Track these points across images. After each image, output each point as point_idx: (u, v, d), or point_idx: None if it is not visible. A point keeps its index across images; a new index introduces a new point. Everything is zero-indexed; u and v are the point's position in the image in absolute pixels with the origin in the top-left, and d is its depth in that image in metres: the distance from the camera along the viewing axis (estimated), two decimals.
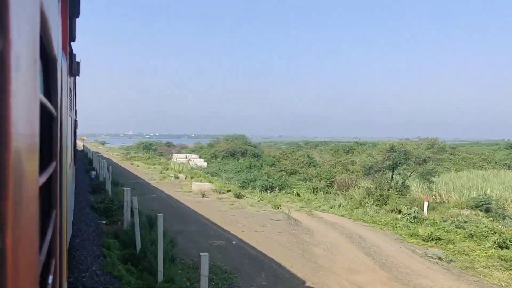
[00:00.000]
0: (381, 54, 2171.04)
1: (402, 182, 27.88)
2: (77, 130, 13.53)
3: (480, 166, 50.31)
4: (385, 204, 22.50)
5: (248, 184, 31.86)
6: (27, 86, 0.71)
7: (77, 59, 6.50)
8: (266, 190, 27.88)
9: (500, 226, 15.81)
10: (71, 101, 5.68)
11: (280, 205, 17.16)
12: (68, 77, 4.29)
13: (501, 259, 11.58)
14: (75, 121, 11.04)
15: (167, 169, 30.89)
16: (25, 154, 0.69)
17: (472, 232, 14.12)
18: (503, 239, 12.89)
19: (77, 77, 7.83)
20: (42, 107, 1.09)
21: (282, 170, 45.00)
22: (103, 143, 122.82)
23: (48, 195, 1.49)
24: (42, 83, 1.37)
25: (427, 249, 12.40)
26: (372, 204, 22.50)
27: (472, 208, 21.43)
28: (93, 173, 20.24)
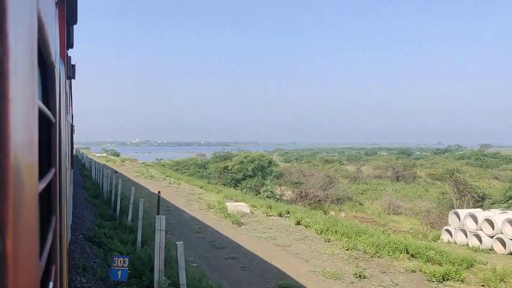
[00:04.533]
0: (394, 56, 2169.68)
1: None
2: (74, 135, 13.43)
3: None
4: None
5: None
6: (25, 92, 0.71)
7: (72, 62, 6.53)
8: None
9: None
10: (67, 105, 5.70)
11: None
12: (65, 82, 4.30)
13: None
14: (72, 125, 11.04)
15: None
16: (24, 161, 0.69)
17: None
18: None
19: (72, 80, 7.86)
20: (41, 113, 1.09)
21: None
22: (117, 154, 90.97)
23: (47, 201, 1.49)
24: (41, 90, 1.37)
25: None
26: None
27: None
28: None
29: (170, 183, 30.28)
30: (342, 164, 60.09)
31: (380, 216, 32.40)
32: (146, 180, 31.17)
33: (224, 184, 39.48)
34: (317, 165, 49.62)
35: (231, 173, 42.84)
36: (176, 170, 50.68)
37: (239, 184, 42.21)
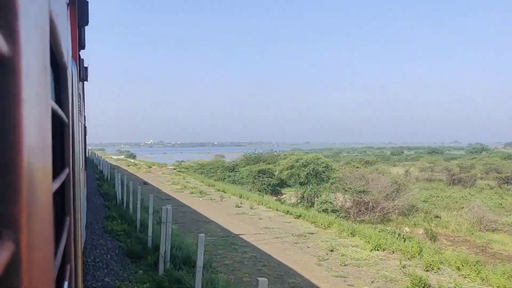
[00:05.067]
0: (399, 55, 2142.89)
1: None
2: (86, 136, 13.52)
3: None
4: None
5: None
6: (38, 92, 0.71)
7: (85, 65, 6.61)
8: None
9: None
10: (80, 107, 5.77)
11: None
12: (78, 83, 4.36)
13: None
14: (85, 127, 11.12)
15: None
16: (38, 161, 0.70)
17: None
18: None
19: (85, 82, 7.96)
20: (54, 114, 1.10)
21: None
22: (133, 156, 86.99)
23: (61, 201, 1.50)
24: (54, 91, 1.39)
25: None
26: None
27: None
28: None
29: (237, 205, 20.56)
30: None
31: (472, 234, 25.87)
32: (194, 198, 21.86)
33: (260, 190, 34.48)
34: (358, 167, 41.40)
35: (267, 177, 36.64)
36: (202, 173, 44.36)
37: (281, 192, 36.19)
